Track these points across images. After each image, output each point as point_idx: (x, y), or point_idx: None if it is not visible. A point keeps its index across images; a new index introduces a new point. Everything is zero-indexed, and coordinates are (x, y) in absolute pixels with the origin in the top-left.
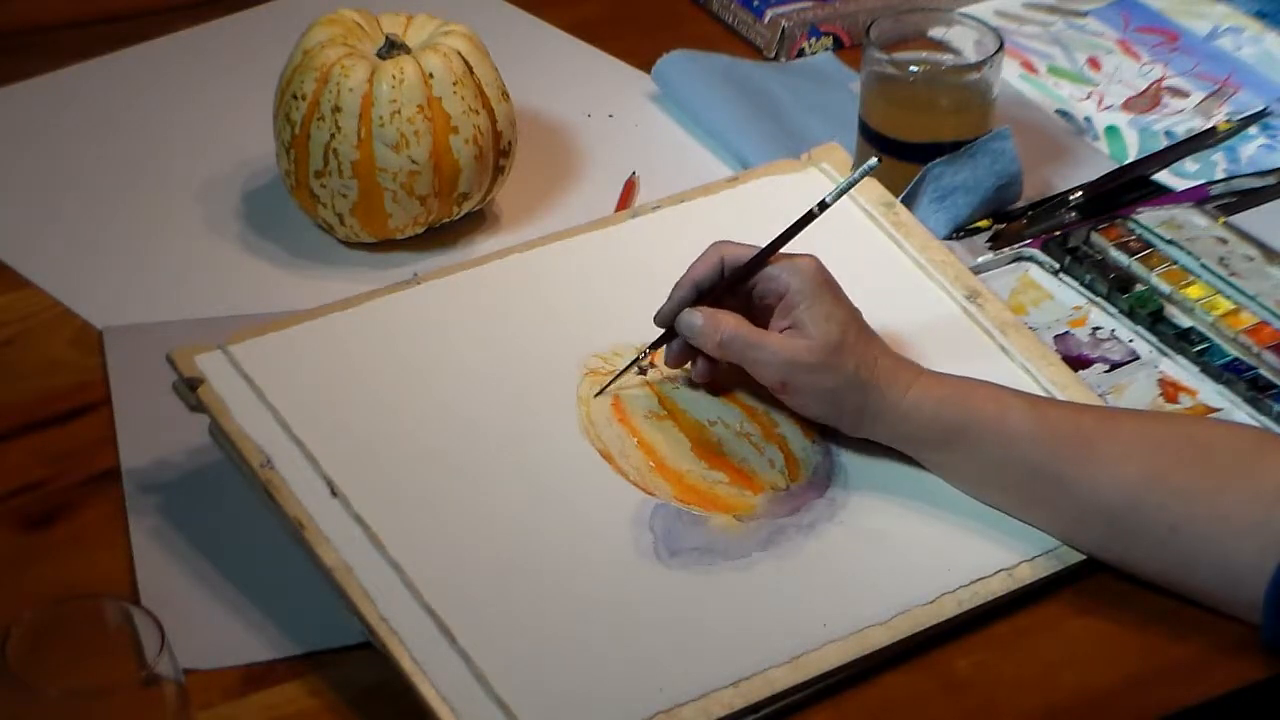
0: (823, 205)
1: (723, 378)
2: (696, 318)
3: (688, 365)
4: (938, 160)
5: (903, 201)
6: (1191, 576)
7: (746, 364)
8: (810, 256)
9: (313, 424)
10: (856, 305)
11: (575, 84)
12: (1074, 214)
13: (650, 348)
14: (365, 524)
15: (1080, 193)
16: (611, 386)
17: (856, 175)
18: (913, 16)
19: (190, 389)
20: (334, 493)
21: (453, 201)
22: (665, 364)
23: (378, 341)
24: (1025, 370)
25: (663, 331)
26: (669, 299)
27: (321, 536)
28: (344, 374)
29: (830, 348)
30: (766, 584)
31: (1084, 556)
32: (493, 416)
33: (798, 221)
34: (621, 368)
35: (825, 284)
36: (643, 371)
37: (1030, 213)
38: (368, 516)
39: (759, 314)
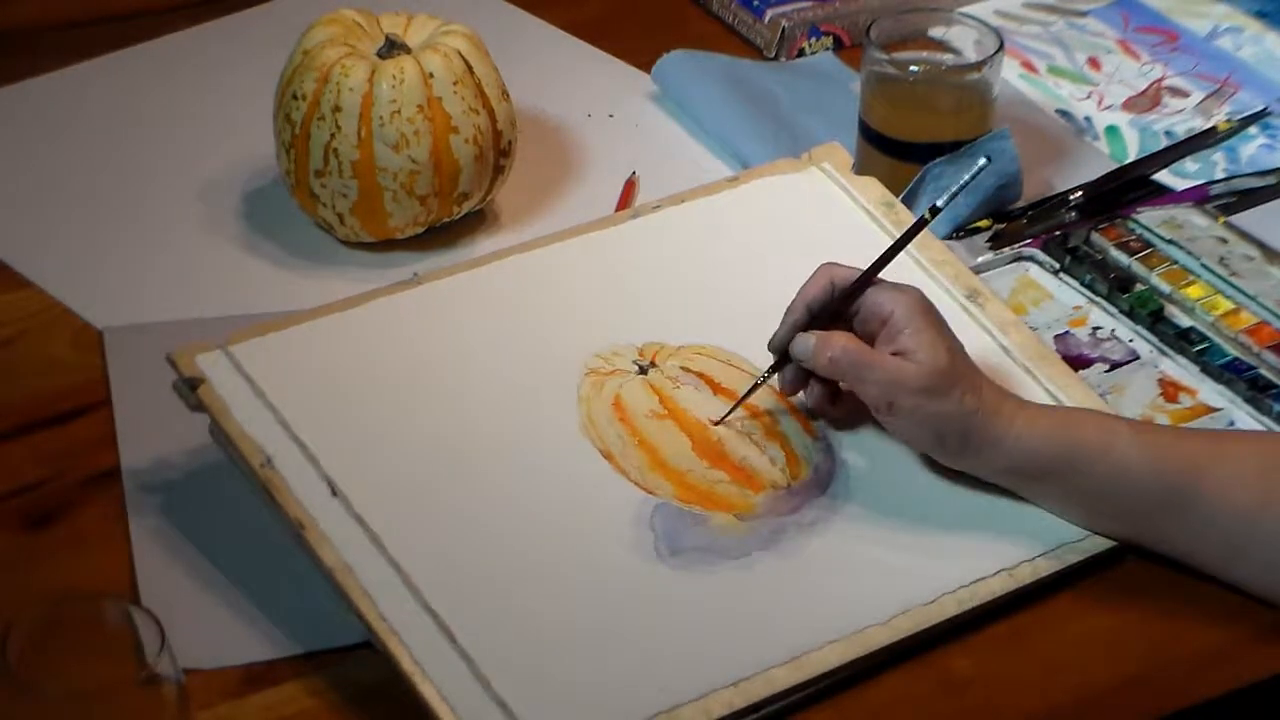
0: (934, 211)
1: (834, 408)
2: (809, 339)
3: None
4: (938, 160)
5: (903, 201)
6: None
7: (855, 383)
8: (913, 287)
9: (313, 424)
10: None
11: (575, 84)
12: (1074, 214)
13: (765, 374)
14: (365, 524)
15: (1080, 193)
16: (732, 415)
17: (967, 177)
18: (913, 16)
19: (190, 389)
20: (334, 492)
21: (453, 201)
22: (781, 390)
23: (378, 342)
24: (1026, 370)
25: (775, 359)
26: (782, 324)
27: (322, 536)
28: (344, 374)
29: (938, 373)
30: (767, 583)
31: (1085, 557)
32: (493, 416)
33: (906, 233)
34: (742, 395)
35: (929, 311)
36: (643, 371)
37: (1030, 213)
38: (368, 516)
39: (862, 340)
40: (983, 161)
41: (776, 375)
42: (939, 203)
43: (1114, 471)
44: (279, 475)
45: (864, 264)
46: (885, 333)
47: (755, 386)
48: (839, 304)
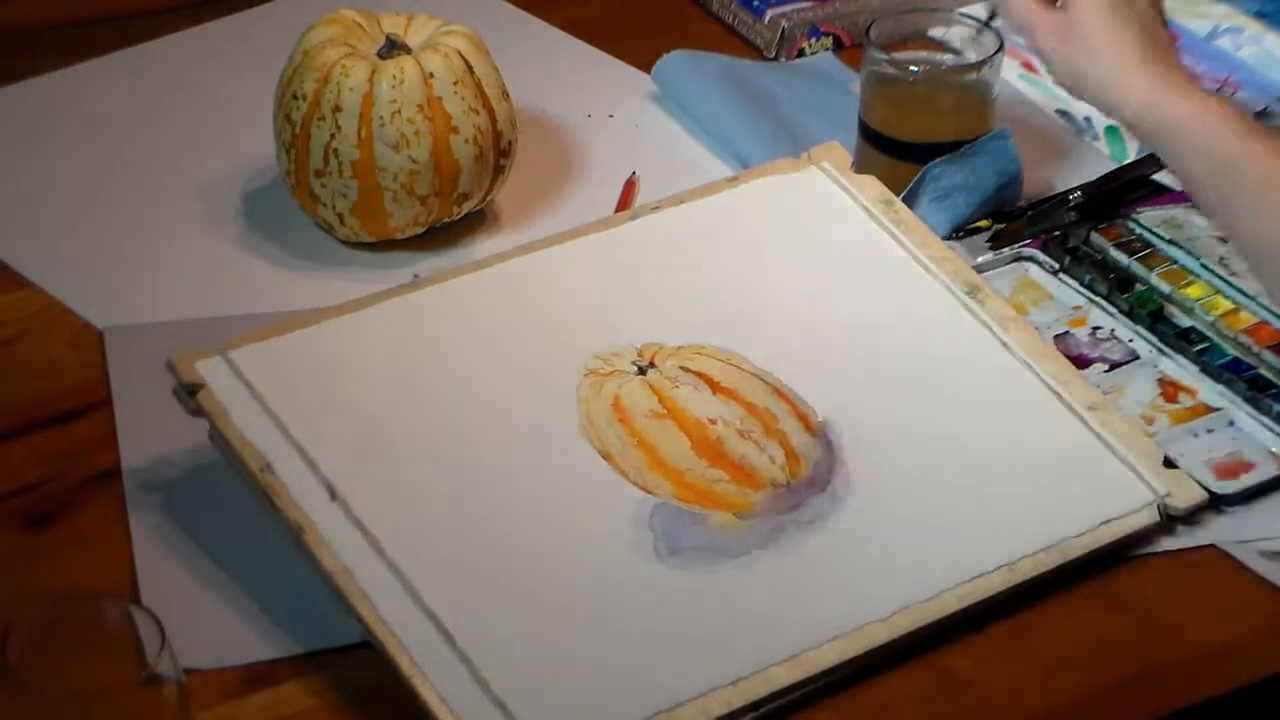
0: None
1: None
2: None
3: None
4: (938, 160)
5: (903, 201)
6: None
7: (1018, 27)
8: None
9: (312, 428)
10: (857, 303)
11: (575, 84)
12: (1074, 214)
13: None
14: (364, 527)
15: (1080, 193)
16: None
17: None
18: (913, 16)
19: (190, 394)
20: (333, 497)
21: (453, 201)
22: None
23: (376, 346)
24: (1026, 365)
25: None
26: None
27: (321, 540)
28: (343, 378)
29: (1100, 22)
30: (767, 581)
31: (1086, 551)
32: (492, 418)
33: None
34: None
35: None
36: (642, 372)
37: (1030, 213)
38: (367, 520)
39: None
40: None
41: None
42: None
43: (1209, 157)
44: (278, 480)
45: (864, 260)
46: None
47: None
48: None
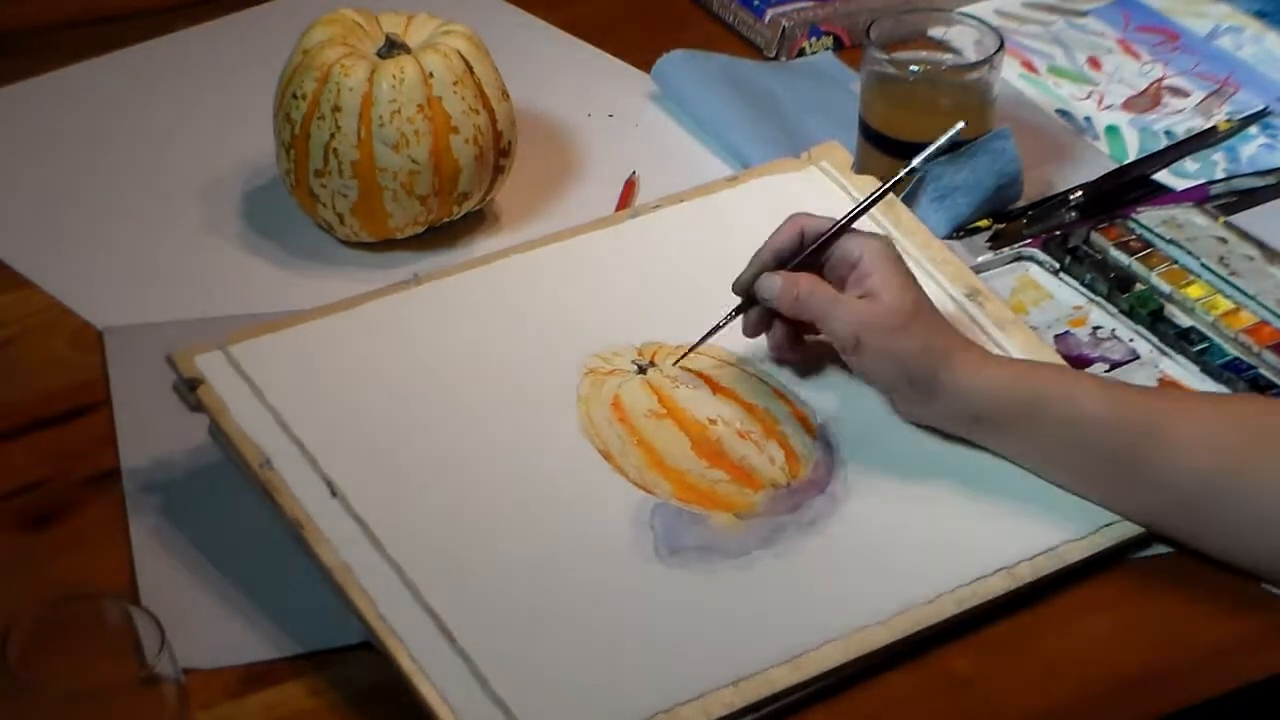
0: (910, 171)
1: (795, 353)
2: (775, 279)
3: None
4: (938, 160)
5: (903, 201)
6: (1276, 563)
7: (822, 321)
8: (882, 235)
9: (312, 424)
10: None
11: (575, 84)
12: (1074, 214)
13: (729, 315)
14: (365, 524)
15: (1080, 193)
16: (691, 354)
17: (943, 140)
18: (913, 16)
19: (190, 389)
20: (334, 493)
21: (453, 201)
22: (744, 333)
23: (378, 342)
24: None
25: (739, 302)
26: (747, 267)
27: (321, 537)
28: (344, 375)
29: (905, 313)
30: (766, 582)
31: (1085, 555)
32: (493, 416)
33: (880, 190)
34: (702, 336)
35: (896, 258)
36: (642, 371)
37: (1030, 213)
38: (367, 516)
39: (831, 285)
40: (960, 125)
41: (741, 318)
42: (915, 162)
43: (1074, 420)
44: (278, 475)
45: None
46: (854, 277)
47: (717, 328)
48: (811, 254)
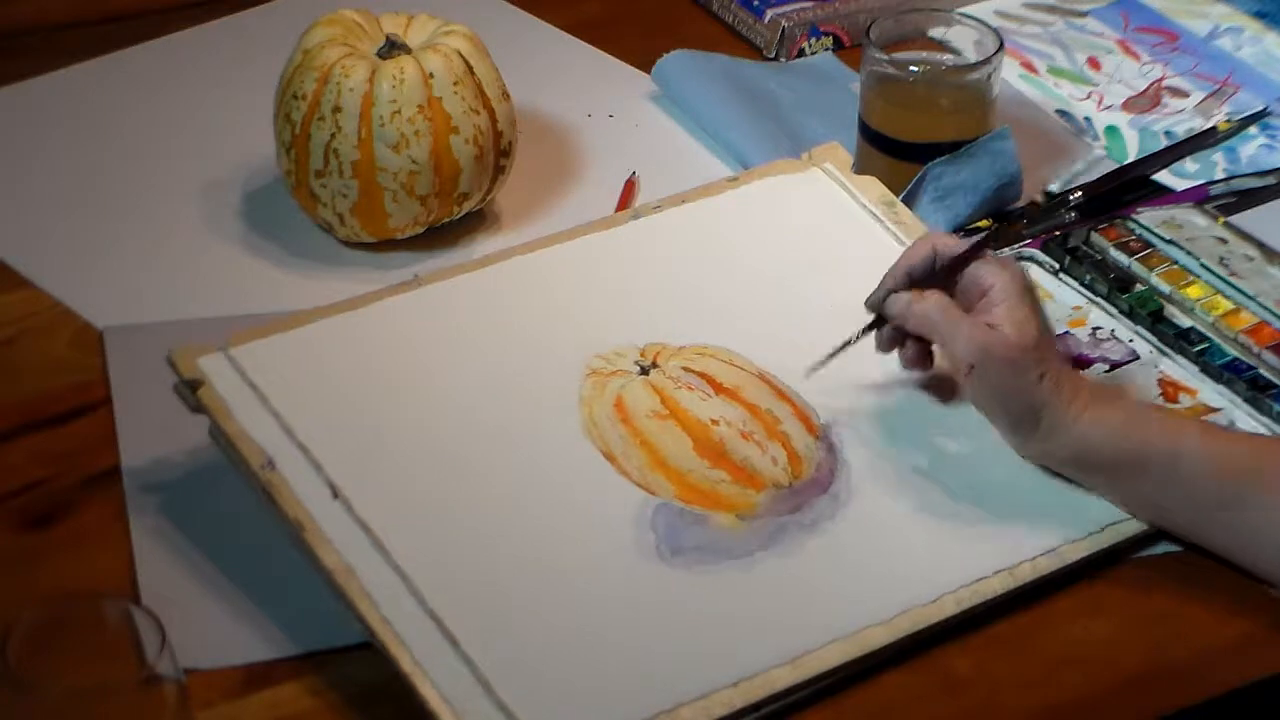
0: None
1: (928, 364)
2: (904, 296)
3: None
4: (938, 160)
5: (903, 201)
6: None
7: (944, 340)
8: (1017, 263)
9: (314, 426)
10: (857, 301)
11: (575, 84)
12: (1074, 214)
13: (860, 332)
14: (367, 526)
15: (1080, 193)
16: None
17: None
18: (913, 16)
19: (191, 391)
20: (335, 495)
21: (453, 201)
22: (876, 349)
23: (379, 344)
24: None
25: (872, 318)
26: (880, 285)
27: (323, 539)
28: (345, 376)
29: (1024, 348)
30: (768, 583)
31: (1085, 555)
32: (494, 418)
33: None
34: (833, 350)
35: (1028, 290)
36: (644, 372)
37: (1030, 213)
38: (369, 519)
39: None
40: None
41: (874, 334)
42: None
43: (1179, 479)
44: (280, 477)
45: (866, 262)
46: (983, 304)
47: (848, 344)
48: (944, 274)
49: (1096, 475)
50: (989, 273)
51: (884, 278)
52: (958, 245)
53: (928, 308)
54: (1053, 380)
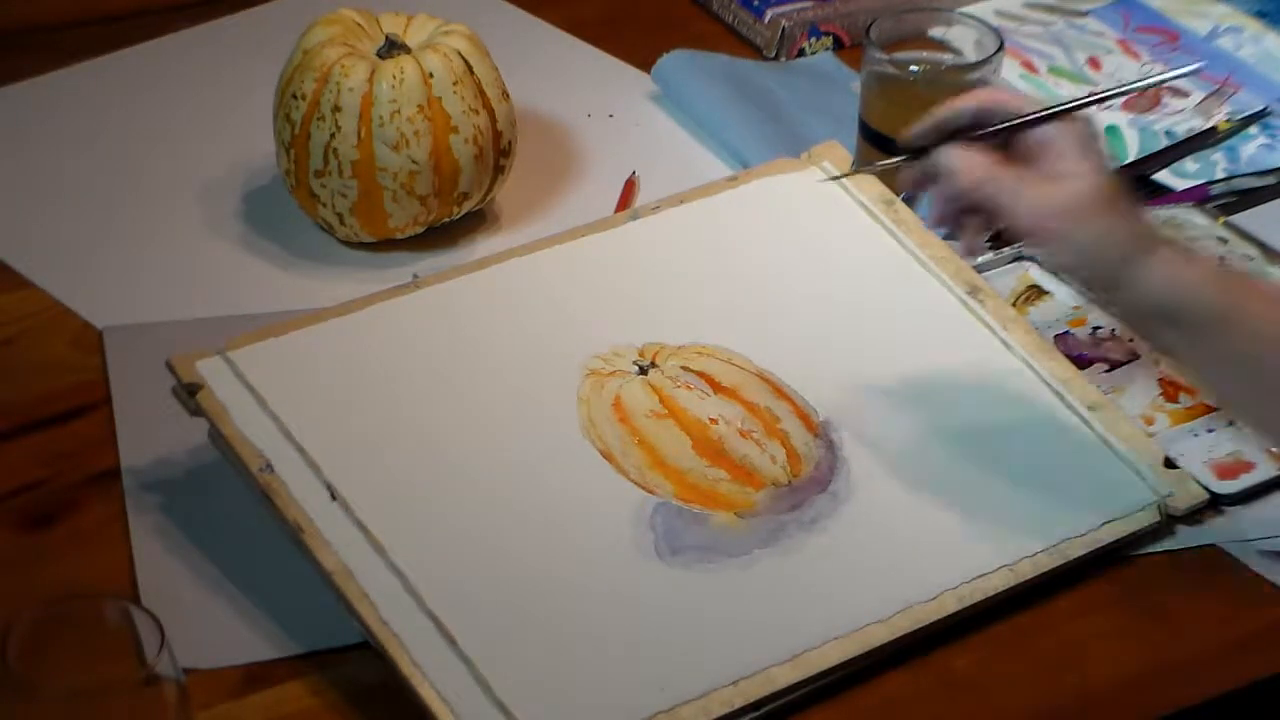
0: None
1: (960, 222)
2: (955, 156)
3: None
4: None
5: (904, 201)
6: None
7: (1003, 209)
8: (1080, 117)
9: (312, 428)
10: (856, 300)
11: (575, 84)
12: None
13: (896, 161)
14: (365, 528)
15: None
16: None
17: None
18: (913, 16)
19: (190, 394)
20: (334, 497)
21: (453, 201)
22: (930, 224)
23: (377, 346)
24: (1026, 364)
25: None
26: (921, 121)
27: (321, 541)
28: (344, 378)
29: (1095, 198)
30: (767, 581)
31: (1086, 552)
32: (493, 418)
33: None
34: (885, 162)
35: (1092, 140)
36: (643, 372)
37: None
38: (368, 520)
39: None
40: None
41: (927, 208)
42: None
43: (1265, 338)
44: (278, 480)
45: (865, 260)
46: (1046, 158)
47: (894, 162)
48: (1004, 131)
49: (1176, 331)
50: (1054, 129)
51: (925, 117)
52: (1011, 102)
53: (983, 175)
54: (1132, 229)
